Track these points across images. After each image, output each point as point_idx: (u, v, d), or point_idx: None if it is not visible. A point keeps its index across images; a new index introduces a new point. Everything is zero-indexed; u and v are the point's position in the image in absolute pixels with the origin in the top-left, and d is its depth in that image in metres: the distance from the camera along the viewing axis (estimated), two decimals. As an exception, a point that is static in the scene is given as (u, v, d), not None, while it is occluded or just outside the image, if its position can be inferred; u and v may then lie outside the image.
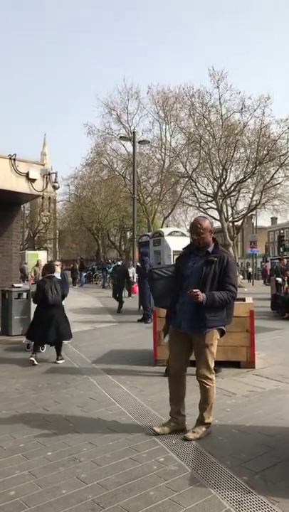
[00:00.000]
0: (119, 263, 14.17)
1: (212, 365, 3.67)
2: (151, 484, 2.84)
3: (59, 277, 8.36)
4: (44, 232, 50.54)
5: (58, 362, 6.61)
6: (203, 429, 3.63)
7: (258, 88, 69.98)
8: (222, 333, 3.73)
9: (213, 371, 3.71)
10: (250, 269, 38.46)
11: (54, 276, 7.07)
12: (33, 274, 16.85)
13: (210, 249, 3.67)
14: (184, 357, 3.77)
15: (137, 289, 19.21)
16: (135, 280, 19.91)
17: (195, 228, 3.66)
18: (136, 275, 20.10)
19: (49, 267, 7.47)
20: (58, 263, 8.84)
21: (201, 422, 3.67)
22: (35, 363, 6.50)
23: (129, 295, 19.24)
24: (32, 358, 6.56)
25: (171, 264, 5.81)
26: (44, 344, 7.05)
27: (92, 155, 34.73)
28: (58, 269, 8.78)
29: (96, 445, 3.50)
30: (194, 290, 3.45)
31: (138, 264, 11.53)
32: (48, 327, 6.62)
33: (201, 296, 3.44)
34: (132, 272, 20.02)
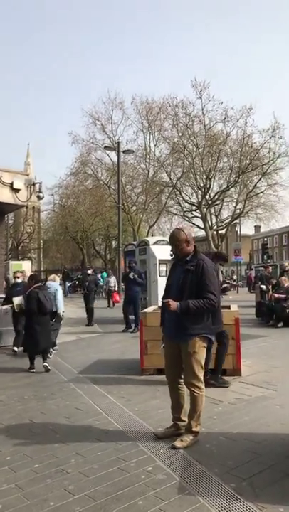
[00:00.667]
0: (90, 272, 13.50)
1: (199, 373, 3.68)
2: (139, 494, 2.83)
3: (58, 287, 8.68)
4: (28, 242, 50.12)
5: (48, 367, 6.72)
6: (191, 437, 3.64)
7: (241, 99, 71.32)
8: (209, 341, 3.77)
9: (202, 379, 3.72)
10: (234, 277, 38.76)
11: (43, 286, 7.20)
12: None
13: (189, 257, 3.75)
14: (177, 365, 3.79)
15: (118, 297, 19.17)
16: (116, 289, 19.85)
17: (171, 240, 3.82)
18: (115, 284, 20.07)
19: (34, 277, 7.60)
20: (19, 274, 8.98)
21: (188, 430, 3.68)
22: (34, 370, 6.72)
23: (111, 305, 19.08)
24: (33, 370, 6.71)
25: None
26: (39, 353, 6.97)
27: (77, 164, 34.84)
28: (57, 278, 9.02)
29: (84, 456, 3.48)
30: (165, 300, 3.60)
31: (133, 274, 11.22)
32: (42, 335, 6.80)
33: (174, 304, 3.55)
34: (113, 281, 19.87)
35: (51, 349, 7.67)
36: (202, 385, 3.72)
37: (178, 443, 3.57)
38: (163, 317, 3.89)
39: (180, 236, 3.74)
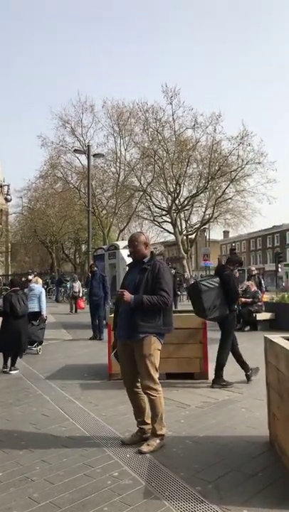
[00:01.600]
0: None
1: (154, 375, 3.68)
2: (105, 500, 2.82)
3: (42, 289, 9.21)
4: (-5, 245, 49.18)
5: (12, 372, 6.90)
6: (157, 441, 3.64)
7: (210, 106, 72.54)
8: (160, 342, 3.76)
9: (157, 381, 3.71)
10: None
11: (19, 290, 7.41)
12: None
13: (146, 259, 3.83)
14: (132, 369, 3.78)
15: (82, 304, 18.90)
16: (81, 295, 19.24)
17: (131, 242, 3.88)
18: (82, 289, 19.17)
19: (13, 281, 8.05)
20: None
21: (153, 433, 3.68)
22: (12, 372, 6.91)
23: (75, 311, 18.64)
24: (12, 372, 6.92)
25: (213, 275, 5.98)
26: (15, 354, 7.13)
27: (46, 167, 34.33)
28: (40, 280, 9.39)
29: (49, 463, 3.43)
30: (120, 290, 3.67)
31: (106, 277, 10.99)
32: (19, 337, 7.01)
33: (128, 296, 3.61)
34: (78, 286, 19.11)
35: (34, 348, 8.44)
36: (158, 387, 3.71)
37: (144, 447, 3.57)
38: (115, 321, 3.92)
39: (140, 238, 3.86)
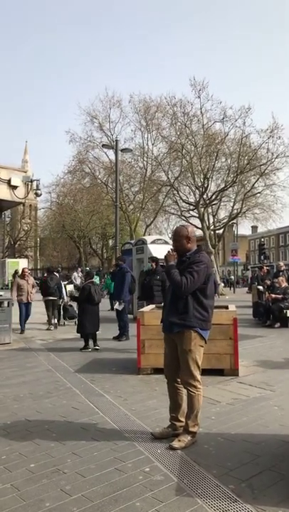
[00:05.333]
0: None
1: (195, 372, 3.64)
2: (137, 495, 2.79)
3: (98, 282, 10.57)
4: (25, 240, 50.08)
5: (98, 347, 8.29)
6: (189, 438, 3.60)
7: (240, 98, 71.32)
8: (202, 338, 3.68)
9: (198, 378, 3.67)
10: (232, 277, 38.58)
11: (95, 281, 8.90)
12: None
13: (188, 254, 3.76)
14: (174, 361, 3.75)
15: None
16: None
17: (173, 235, 3.95)
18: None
19: (89, 274, 9.31)
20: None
21: (186, 430, 3.64)
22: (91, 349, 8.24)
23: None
24: (90, 348, 8.24)
25: None
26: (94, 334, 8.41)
27: (74, 162, 34.65)
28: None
29: (80, 456, 3.44)
30: (170, 249, 3.82)
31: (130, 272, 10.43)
32: (97, 320, 8.39)
33: (171, 256, 3.74)
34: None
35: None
36: (199, 385, 3.67)
37: (176, 443, 3.53)
38: (162, 316, 3.89)
39: (181, 232, 3.82)
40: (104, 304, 18.75)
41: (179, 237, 3.79)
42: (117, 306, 9.57)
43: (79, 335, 8.46)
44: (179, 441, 3.56)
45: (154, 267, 9.50)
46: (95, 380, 5.85)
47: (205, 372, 5.78)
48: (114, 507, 2.66)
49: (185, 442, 3.55)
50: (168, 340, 3.79)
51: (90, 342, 8.37)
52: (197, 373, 3.67)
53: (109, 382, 5.74)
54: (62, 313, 12.47)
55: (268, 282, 12.73)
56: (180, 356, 3.66)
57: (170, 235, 22.79)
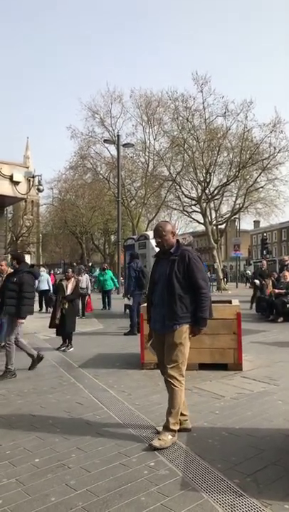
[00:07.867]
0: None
1: (182, 366, 3.60)
2: (142, 489, 2.79)
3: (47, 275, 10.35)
4: (27, 236, 50.00)
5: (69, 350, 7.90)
6: (169, 436, 3.47)
7: (242, 93, 70.84)
8: (192, 332, 3.67)
9: (183, 373, 3.63)
10: (248, 272, 38.03)
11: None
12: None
13: (172, 250, 3.72)
14: None
15: (91, 305, 16.08)
16: (90, 292, 14.23)
17: (157, 231, 3.75)
18: (88, 285, 13.76)
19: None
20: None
21: (166, 427, 3.53)
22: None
23: (83, 314, 13.27)
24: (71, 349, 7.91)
25: None
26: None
27: (76, 158, 34.61)
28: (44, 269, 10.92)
29: (85, 451, 3.44)
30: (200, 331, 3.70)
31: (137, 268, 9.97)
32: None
33: (203, 330, 3.71)
34: (86, 280, 13.65)
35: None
36: (183, 380, 3.62)
37: (156, 442, 3.41)
38: (149, 313, 3.86)
39: (167, 227, 3.75)
40: (96, 302, 18.19)
41: (165, 232, 3.70)
42: (126, 300, 10.25)
43: (82, 330, 8.46)
44: (160, 439, 3.44)
45: None
46: (98, 375, 5.85)
47: (209, 366, 5.83)
48: (119, 501, 2.66)
49: (165, 441, 3.43)
50: (159, 337, 3.74)
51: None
52: (184, 367, 3.62)
53: (113, 377, 5.74)
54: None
55: (275, 276, 12.77)
56: (168, 350, 3.60)
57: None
